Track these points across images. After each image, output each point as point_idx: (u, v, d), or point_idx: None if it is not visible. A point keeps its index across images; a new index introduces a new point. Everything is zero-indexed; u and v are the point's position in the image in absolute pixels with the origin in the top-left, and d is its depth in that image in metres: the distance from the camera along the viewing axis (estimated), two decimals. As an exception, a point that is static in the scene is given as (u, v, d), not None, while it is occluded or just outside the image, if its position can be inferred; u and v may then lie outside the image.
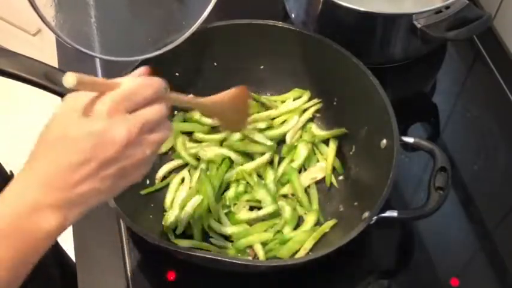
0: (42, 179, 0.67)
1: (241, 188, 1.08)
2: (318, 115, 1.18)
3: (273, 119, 1.17)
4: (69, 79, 0.67)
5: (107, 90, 0.70)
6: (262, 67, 1.20)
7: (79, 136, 0.67)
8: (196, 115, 1.16)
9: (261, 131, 1.15)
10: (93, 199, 0.70)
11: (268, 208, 1.05)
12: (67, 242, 1.05)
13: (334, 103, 1.16)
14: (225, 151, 1.11)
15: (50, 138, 0.69)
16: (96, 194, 0.69)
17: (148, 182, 1.09)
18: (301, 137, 1.15)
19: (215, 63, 1.18)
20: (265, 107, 1.19)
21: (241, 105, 1.03)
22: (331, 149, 1.12)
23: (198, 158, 1.12)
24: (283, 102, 1.19)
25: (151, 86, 0.73)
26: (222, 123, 1.04)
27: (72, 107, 0.70)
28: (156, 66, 1.08)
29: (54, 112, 0.71)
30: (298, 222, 1.06)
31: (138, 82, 0.72)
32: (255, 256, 1.01)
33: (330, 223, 1.04)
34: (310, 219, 1.05)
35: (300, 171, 1.11)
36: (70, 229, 1.02)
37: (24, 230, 0.66)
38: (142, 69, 0.77)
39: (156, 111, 0.73)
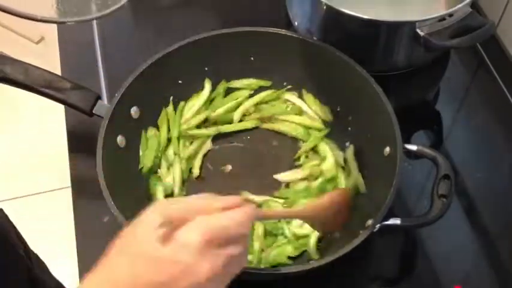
0: None
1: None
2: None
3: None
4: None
5: (194, 214, 0.70)
6: (265, 75, 1.20)
7: (166, 260, 0.67)
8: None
9: None
10: None
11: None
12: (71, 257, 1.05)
13: (338, 110, 1.16)
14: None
15: (133, 250, 0.69)
16: None
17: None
18: (307, 157, 1.14)
19: (218, 71, 1.17)
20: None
21: (341, 209, 0.98)
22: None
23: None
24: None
25: (247, 224, 0.73)
26: (317, 227, 0.99)
27: (157, 223, 0.69)
28: (159, 75, 1.10)
29: (137, 220, 0.71)
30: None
31: (236, 218, 0.72)
32: None
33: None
34: None
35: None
36: (72, 236, 1.03)
37: None
38: (233, 200, 0.74)
39: (241, 248, 0.72)
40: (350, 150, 1.11)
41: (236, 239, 0.71)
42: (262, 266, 1.00)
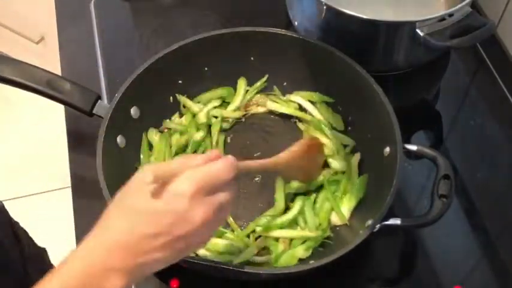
0: (116, 244, 0.72)
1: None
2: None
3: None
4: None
5: (182, 170, 0.74)
6: (265, 75, 1.20)
7: (161, 210, 0.72)
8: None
9: None
10: (157, 266, 0.75)
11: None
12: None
13: (339, 109, 1.16)
14: None
15: (127, 207, 0.74)
16: (161, 263, 0.75)
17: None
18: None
19: (218, 71, 1.18)
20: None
21: (313, 156, 1.04)
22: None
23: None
24: None
25: (230, 171, 0.77)
26: (295, 176, 1.05)
27: (149, 179, 0.73)
28: (159, 75, 1.10)
29: (129, 181, 0.76)
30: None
31: (219, 166, 0.76)
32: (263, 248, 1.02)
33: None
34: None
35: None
36: (73, 236, 1.02)
37: None
38: (214, 153, 0.79)
39: (229, 194, 0.77)
40: (356, 157, 1.10)
41: (222, 186, 0.76)
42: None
